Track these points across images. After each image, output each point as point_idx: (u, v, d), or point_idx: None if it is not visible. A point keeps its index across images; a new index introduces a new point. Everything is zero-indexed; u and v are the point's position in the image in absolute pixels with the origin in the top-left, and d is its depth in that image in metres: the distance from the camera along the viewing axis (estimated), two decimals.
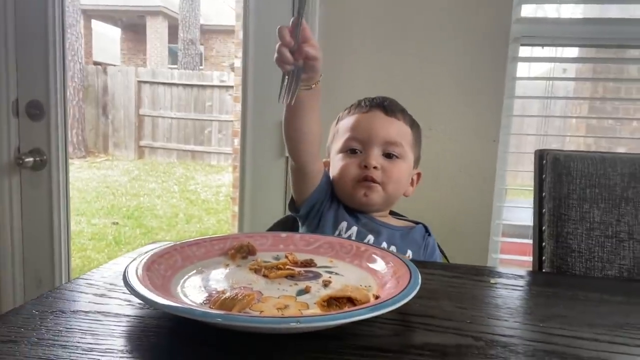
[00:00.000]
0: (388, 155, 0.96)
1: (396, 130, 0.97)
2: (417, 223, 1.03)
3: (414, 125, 1.02)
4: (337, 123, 1.04)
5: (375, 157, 0.95)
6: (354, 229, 0.94)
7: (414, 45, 1.44)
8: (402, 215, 1.09)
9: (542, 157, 0.97)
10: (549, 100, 1.59)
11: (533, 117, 1.78)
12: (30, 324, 0.48)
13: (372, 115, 0.98)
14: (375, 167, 0.94)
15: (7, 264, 1.63)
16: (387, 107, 0.98)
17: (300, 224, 1.02)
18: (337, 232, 0.94)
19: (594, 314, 0.60)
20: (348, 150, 0.97)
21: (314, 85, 0.83)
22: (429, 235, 1.01)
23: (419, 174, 1.05)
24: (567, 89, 2.35)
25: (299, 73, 0.78)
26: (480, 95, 1.42)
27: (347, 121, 1.00)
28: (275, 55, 0.75)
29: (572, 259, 0.91)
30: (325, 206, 0.98)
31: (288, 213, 1.09)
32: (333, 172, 0.99)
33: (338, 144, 0.99)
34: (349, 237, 0.93)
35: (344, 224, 0.95)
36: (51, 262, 1.64)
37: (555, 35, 1.47)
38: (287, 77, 0.77)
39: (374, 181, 0.94)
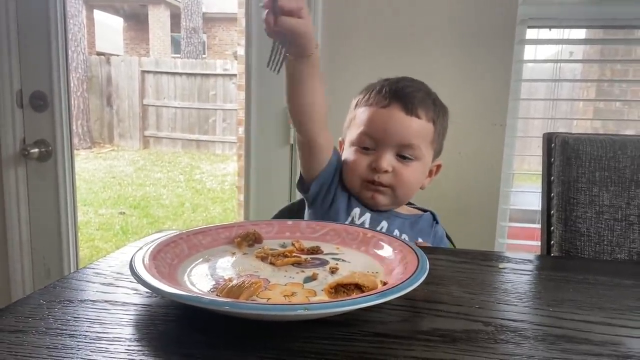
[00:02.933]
0: (402, 156, 0.90)
1: (415, 131, 0.89)
2: (424, 211, 1.01)
3: (438, 118, 0.93)
4: (355, 106, 0.97)
5: (387, 160, 0.89)
6: (367, 215, 0.92)
7: (419, 28, 1.42)
8: (410, 203, 1.08)
9: (550, 141, 0.96)
10: (556, 83, 1.57)
11: (540, 100, 1.76)
12: (38, 314, 0.48)
13: (390, 113, 0.89)
14: (386, 171, 0.89)
15: (15, 255, 1.65)
16: (408, 102, 0.89)
17: (307, 206, 0.98)
18: (349, 219, 0.92)
19: (604, 297, 0.59)
20: (361, 146, 0.92)
21: (306, 58, 0.79)
22: (437, 223, 0.99)
23: (438, 166, 0.99)
24: (575, 71, 2.32)
25: (285, 44, 0.75)
26: (487, 78, 1.41)
27: (364, 112, 0.93)
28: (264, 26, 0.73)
29: (581, 243, 0.90)
30: (337, 190, 0.94)
31: (294, 200, 1.08)
32: (344, 162, 0.95)
33: (352, 134, 0.94)
34: (362, 224, 0.91)
35: (356, 210, 0.92)
36: (59, 252, 1.66)
37: (563, 16, 1.45)
38: (274, 45, 0.75)
39: (382, 185, 0.90)
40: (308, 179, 0.94)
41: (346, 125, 0.99)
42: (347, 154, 0.95)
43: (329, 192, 0.94)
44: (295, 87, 0.83)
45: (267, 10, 0.71)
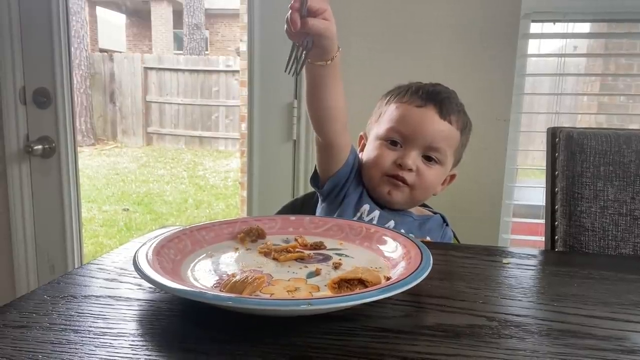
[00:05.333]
0: (427, 158, 0.91)
1: (444, 135, 0.90)
2: (435, 213, 1.01)
3: (465, 128, 0.95)
4: (386, 102, 0.96)
5: (413, 158, 0.89)
6: (376, 212, 0.92)
7: (422, 21, 1.41)
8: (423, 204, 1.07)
9: (555, 135, 0.96)
10: (560, 78, 1.56)
11: (544, 95, 1.75)
12: (42, 309, 0.48)
13: (424, 113, 0.90)
14: (410, 169, 0.89)
15: (20, 251, 1.65)
16: (443, 107, 0.90)
17: (320, 199, 0.98)
18: (358, 214, 0.92)
19: (609, 292, 0.59)
20: (388, 141, 0.92)
21: (329, 62, 0.78)
22: (447, 225, 0.99)
23: (453, 176, 0.99)
24: (579, 66, 2.30)
25: (308, 46, 0.73)
26: (491, 73, 1.40)
27: (397, 109, 0.92)
28: (285, 25, 0.71)
29: (585, 238, 0.90)
30: (350, 186, 0.94)
31: (297, 196, 1.08)
32: (366, 155, 0.95)
33: (380, 128, 0.93)
34: (371, 221, 0.91)
35: (366, 207, 0.92)
36: (63, 248, 1.66)
37: (566, 10, 1.44)
38: (295, 47, 0.73)
39: (404, 182, 0.90)
40: (324, 176, 0.94)
41: (372, 120, 0.99)
42: (372, 147, 0.94)
43: (342, 190, 0.94)
44: (317, 92, 0.82)
45: (289, 8, 0.69)
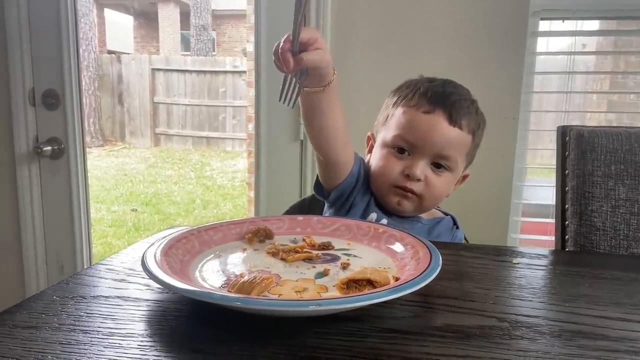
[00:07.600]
0: (436, 165, 0.87)
1: (454, 142, 0.86)
2: (445, 214, 0.99)
3: (477, 130, 0.90)
4: (394, 104, 0.91)
5: (422, 168, 0.85)
6: (384, 221, 0.89)
7: (431, 20, 1.40)
8: None
9: (565, 134, 0.95)
10: (569, 76, 1.55)
11: (553, 93, 1.73)
12: (51, 310, 0.48)
13: (432, 120, 0.85)
14: (418, 180, 0.86)
15: (29, 252, 1.67)
16: (453, 111, 0.85)
17: (326, 206, 0.96)
18: None
19: (621, 292, 0.58)
20: (395, 148, 0.88)
21: (325, 87, 0.74)
22: (457, 228, 0.96)
23: (465, 176, 0.95)
24: (588, 64, 2.28)
25: (302, 77, 0.70)
26: (499, 71, 1.39)
27: (404, 114, 0.87)
28: (273, 58, 0.68)
29: (596, 237, 0.89)
30: (357, 195, 0.91)
31: (304, 196, 1.07)
32: (374, 162, 0.92)
33: (387, 134, 0.89)
34: None
35: (373, 215, 0.90)
36: (72, 249, 1.67)
37: (575, 8, 1.43)
38: (288, 78, 0.69)
39: (412, 193, 0.87)
40: (327, 187, 0.92)
41: (380, 121, 0.95)
42: (379, 155, 0.91)
43: (348, 199, 0.91)
44: (314, 116, 0.80)
45: (280, 50, 0.65)
